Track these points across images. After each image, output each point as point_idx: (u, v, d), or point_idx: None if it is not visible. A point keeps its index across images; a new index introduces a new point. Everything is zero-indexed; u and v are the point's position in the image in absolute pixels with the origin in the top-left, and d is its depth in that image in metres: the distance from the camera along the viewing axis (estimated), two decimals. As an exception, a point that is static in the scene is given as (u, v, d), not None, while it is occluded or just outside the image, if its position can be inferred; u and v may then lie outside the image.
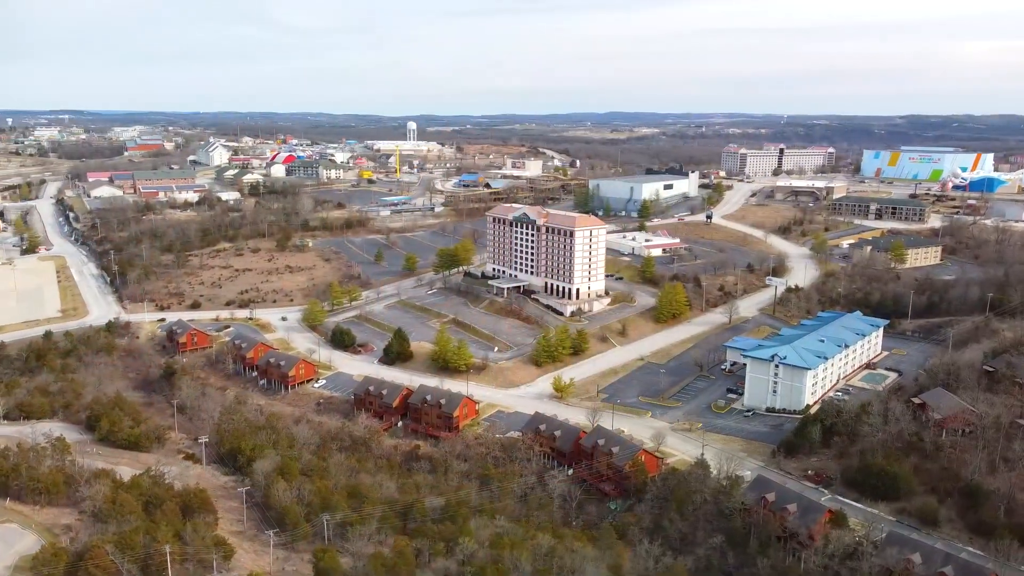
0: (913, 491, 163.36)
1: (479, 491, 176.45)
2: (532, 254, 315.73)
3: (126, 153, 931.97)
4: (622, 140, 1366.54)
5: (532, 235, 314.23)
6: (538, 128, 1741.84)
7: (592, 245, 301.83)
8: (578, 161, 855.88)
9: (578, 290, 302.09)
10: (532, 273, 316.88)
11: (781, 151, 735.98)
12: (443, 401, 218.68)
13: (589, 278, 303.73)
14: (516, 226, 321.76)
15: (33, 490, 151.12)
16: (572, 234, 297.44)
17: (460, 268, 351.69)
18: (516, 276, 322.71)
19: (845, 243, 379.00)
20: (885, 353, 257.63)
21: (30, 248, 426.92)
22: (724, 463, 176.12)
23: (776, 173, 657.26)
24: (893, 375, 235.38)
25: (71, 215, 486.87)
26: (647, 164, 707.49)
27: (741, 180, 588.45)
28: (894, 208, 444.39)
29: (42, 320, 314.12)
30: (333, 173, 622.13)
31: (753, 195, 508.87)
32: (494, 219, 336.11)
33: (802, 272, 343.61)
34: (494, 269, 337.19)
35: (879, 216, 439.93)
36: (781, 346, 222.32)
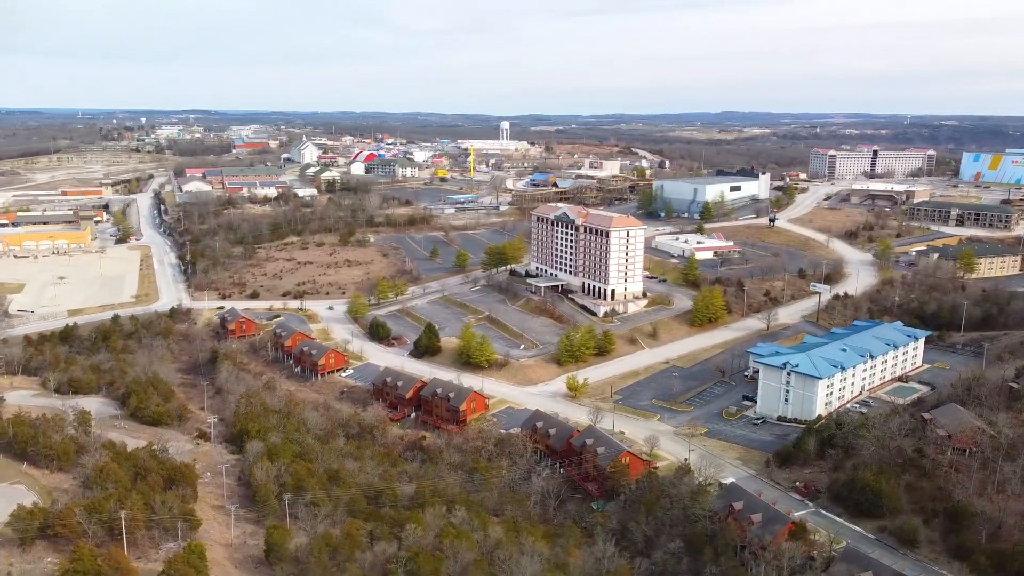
0: (899, 509, 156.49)
1: (463, 483, 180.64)
2: (571, 253, 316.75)
3: (233, 151, 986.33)
4: (728, 140, 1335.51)
5: (571, 235, 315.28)
6: (644, 128, 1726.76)
7: (629, 246, 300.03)
8: (667, 162, 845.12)
9: (613, 291, 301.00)
10: (571, 272, 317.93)
11: (875, 153, 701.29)
12: (451, 395, 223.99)
13: (625, 279, 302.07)
14: (557, 225, 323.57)
15: (46, 456, 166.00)
16: (608, 234, 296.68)
17: (507, 266, 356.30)
18: (556, 275, 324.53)
19: (914, 250, 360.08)
20: (926, 366, 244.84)
21: (123, 238, 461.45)
22: (706, 469, 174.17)
23: (866, 176, 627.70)
24: (924, 389, 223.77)
25: (162, 208, 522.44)
26: (743, 165, 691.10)
27: (822, 182, 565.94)
28: (977, 214, 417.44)
29: (116, 304, 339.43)
30: (408, 171, 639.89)
31: (828, 198, 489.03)
32: (537, 218, 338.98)
33: (861, 279, 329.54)
34: (537, 268, 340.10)
35: (960, 222, 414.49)
36: (796, 354, 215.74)
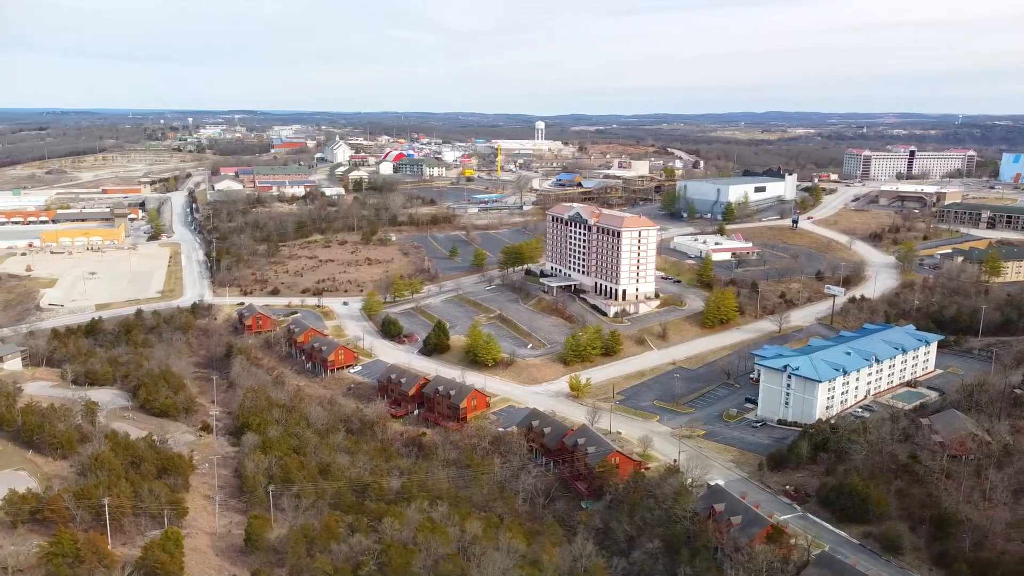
0: (886, 515, 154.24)
1: (454, 479, 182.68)
2: (584, 253, 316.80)
3: (272, 150, 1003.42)
4: (770, 141, 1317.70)
5: (584, 235, 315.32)
6: (686, 128, 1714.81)
7: (641, 246, 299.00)
8: (701, 162, 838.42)
9: (624, 291, 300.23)
10: (583, 272, 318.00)
11: (911, 153, 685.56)
12: (452, 392, 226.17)
13: (637, 279, 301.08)
14: (570, 225, 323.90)
15: (50, 444, 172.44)
16: (619, 234, 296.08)
17: (524, 266, 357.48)
18: (569, 275, 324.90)
19: (939, 253, 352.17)
20: (939, 371, 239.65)
21: (155, 235, 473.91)
22: (694, 471, 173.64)
23: (900, 177, 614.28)
24: (932, 394, 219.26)
25: (194, 206, 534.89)
26: (779, 165, 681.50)
27: (852, 183, 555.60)
28: (1009, 216, 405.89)
29: (142, 300, 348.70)
30: (436, 171, 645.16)
31: (855, 199, 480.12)
32: (552, 218, 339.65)
33: (881, 281, 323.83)
34: (551, 268, 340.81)
35: (991, 225, 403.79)
36: (798, 356, 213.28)
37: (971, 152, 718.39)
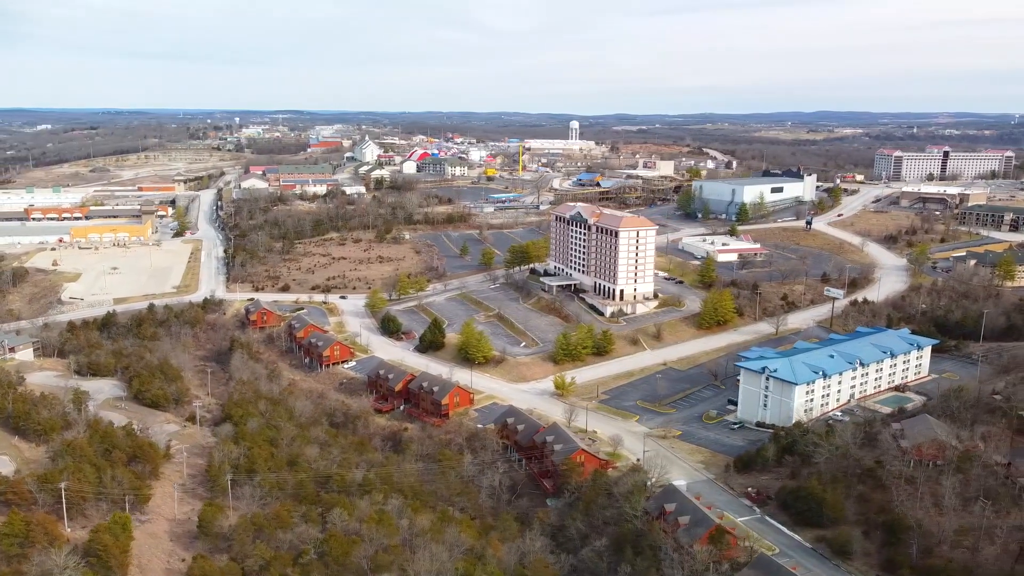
0: (841, 519, 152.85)
1: (421, 473, 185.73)
2: (584, 253, 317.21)
3: (308, 149, 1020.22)
4: (815, 141, 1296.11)
5: (584, 234, 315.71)
6: (730, 128, 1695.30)
7: (639, 246, 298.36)
8: (734, 162, 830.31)
9: (622, 291, 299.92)
10: (583, 272, 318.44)
11: (945, 154, 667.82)
12: (435, 388, 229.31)
13: (635, 279, 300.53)
14: (571, 225, 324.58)
15: (35, 431, 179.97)
16: (617, 234, 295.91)
17: (530, 265, 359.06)
18: (571, 275, 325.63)
19: (954, 256, 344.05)
20: (933, 376, 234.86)
21: (179, 232, 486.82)
22: (657, 471, 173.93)
23: (931, 178, 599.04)
24: (919, 399, 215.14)
25: (219, 204, 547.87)
26: (816, 166, 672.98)
27: (878, 184, 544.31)
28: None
29: (158, 294, 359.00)
30: (458, 170, 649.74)
31: (876, 200, 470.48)
32: (556, 217, 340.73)
33: (890, 284, 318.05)
34: (555, 267, 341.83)
35: (1015, 227, 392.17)
36: (778, 358, 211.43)
37: (1009, 153, 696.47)
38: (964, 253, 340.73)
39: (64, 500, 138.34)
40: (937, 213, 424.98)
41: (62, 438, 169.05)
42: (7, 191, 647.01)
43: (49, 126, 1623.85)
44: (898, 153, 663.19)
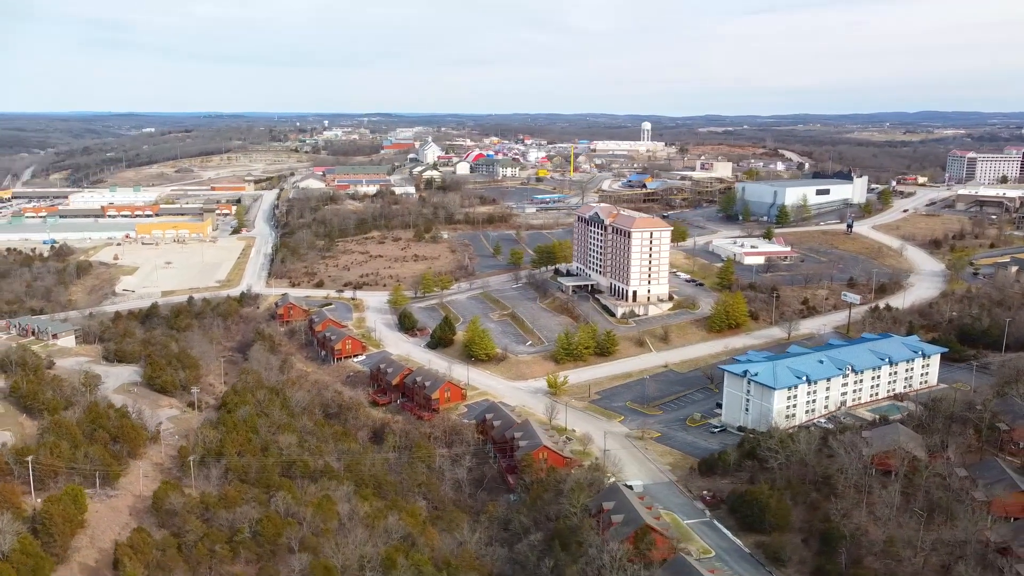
0: (784, 526, 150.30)
1: (390, 464, 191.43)
2: (601, 254, 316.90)
3: (382, 151, 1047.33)
4: (908, 143, 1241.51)
5: (601, 235, 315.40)
6: (821, 129, 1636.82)
7: (653, 247, 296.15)
8: (806, 164, 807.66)
9: (635, 292, 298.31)
10: (600, 273, 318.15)
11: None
12: (427, 383, 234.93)
13: (649, 280, 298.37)
14: (590, 225, 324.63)
15: (39, 409, 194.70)
16: (630, 235, 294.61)
17: (554, 265, 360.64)
18: (589, 275, 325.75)
19: (998, 262, 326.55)
20: (942, 385, 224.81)
21: (236, 229, 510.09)
22: (615, 470, 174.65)
23: (1005, 181, 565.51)
24: (913, 408, 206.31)
25: (277, 203, 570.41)
26: (899, 168, 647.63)
27: (939, 187, 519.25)
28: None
29: (202, 288, 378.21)
30: (509, 171, 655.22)
31: (931, 203, 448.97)
32: (577, 218, 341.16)
33: (923, 290, 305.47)
34: (577, 268, 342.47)
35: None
36: (761, 363, 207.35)
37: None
38: (1008, 259, 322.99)
39: (32, 473, 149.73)
40: (993, 217, 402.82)
41: (58, 416, 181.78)
42: (92, 190, 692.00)
43: (152, 129, 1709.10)
44: (971, 154, 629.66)
